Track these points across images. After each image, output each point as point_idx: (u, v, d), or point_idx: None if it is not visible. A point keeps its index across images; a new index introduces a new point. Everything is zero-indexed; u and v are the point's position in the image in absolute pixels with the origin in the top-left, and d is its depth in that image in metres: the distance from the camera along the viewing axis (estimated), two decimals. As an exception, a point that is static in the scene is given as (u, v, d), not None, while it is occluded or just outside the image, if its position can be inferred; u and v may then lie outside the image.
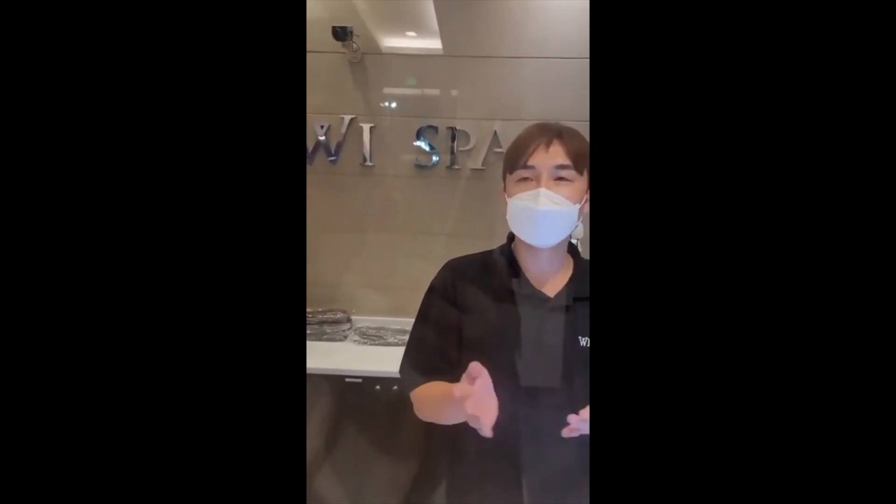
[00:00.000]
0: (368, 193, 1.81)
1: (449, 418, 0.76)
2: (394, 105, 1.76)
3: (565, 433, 0.65)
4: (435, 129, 1.76)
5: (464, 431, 0.68)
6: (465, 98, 1.74)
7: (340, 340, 1.77)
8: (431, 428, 1.02)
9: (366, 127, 1.75)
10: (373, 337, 1.74)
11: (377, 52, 1.74)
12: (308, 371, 1.48)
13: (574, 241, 0.88)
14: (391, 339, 1.73)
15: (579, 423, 0.64)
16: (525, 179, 0.77)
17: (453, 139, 1.74)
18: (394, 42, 1.75)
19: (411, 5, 1.71)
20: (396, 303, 1.85)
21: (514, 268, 0.83)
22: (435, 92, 1.76)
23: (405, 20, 1.74)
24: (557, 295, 0.80)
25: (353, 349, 1.71)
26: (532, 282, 0.81)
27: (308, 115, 1.72)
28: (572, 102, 1.68)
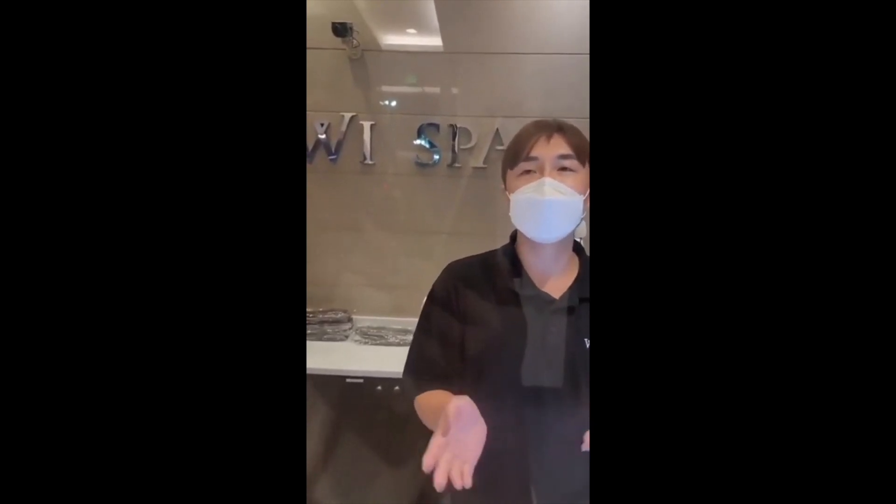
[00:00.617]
0: (369, 192, 1.80)
1: None
2: (394, 103, 1.75)
3: (585, 448, 0.63)
4: (436, 126, 1.75)
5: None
6: (467, 95, 1.73)
7: (341, 340, 1.76)
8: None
9: (366, 125, 1.75)
10: (374, 337, 1.73)
11: (377, 49, 1.73)
12: (308, 371, 1.48)
13: (577, 240, 0.87)
14: (392, 339, 1.72)
15: None
16: (528, 172, 0.76)
17: (454, 137, 1.73)
18: (394, 39, 1.74)
19: (412, 2, 1.70)
20: (398, 302, 1.84)
21: (518, 268, 0.81)
22: (436, 89, 1.75)
23: (405, 17, 1.72)
24: (563, 296, 0.79)
25: (354, 349, 1.71)
26: (536, 282, 0.80)
27: (308, 112, 1.71)
28: (575, 99, 1.67)
